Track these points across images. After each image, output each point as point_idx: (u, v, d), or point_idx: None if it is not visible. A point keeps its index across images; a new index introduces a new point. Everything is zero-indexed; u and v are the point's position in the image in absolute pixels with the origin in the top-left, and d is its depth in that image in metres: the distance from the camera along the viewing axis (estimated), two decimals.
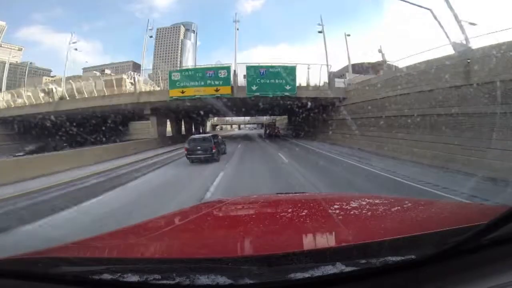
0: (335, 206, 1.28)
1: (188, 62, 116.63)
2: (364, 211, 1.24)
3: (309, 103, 17.63)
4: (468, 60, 7.68)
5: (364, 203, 1.36)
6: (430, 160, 8.29)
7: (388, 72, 14.19)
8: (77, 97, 22.35)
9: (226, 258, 0.69)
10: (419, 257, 0.61)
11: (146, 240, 0.97)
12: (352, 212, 1.21)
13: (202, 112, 24.55)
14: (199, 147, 9.82)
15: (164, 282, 0.58)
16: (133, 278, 0.59)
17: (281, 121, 39.17)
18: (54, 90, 24.01)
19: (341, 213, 1.19)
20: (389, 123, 11.37)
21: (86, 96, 21.99)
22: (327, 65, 18.74)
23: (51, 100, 22.80)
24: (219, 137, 12.10)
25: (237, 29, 21.30)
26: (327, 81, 18.45)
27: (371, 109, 12.90)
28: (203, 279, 0.57)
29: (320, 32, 21.79)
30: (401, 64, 12.68)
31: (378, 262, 0.60)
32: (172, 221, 1.27)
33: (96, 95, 22.43)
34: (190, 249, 0.88)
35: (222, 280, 0.56)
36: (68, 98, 22.80)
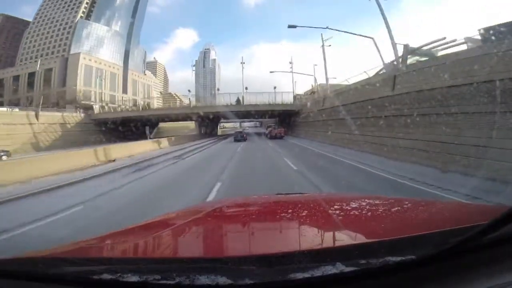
0: (335, 206, 1.28)
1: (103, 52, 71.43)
2: (364, 211, 1.24)
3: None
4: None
5: (364, 203, 1.36)
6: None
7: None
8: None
9: (226, 258, 0.69)
10: (419, 257, 0.60)
11: (146, 240, 0.95)
12: (352, 212, 1.21)
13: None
14: (239, 135, 25.93)
15: (164, 282, 0.57)
16: (133, 278, 0.57)
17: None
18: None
19: (341, 213, 1.19)
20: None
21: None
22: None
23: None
24: (245, 131, 30.65)
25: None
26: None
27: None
28: (203, 279, 0.55)
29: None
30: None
31: (378, 262, 0.59)
32: (172, 221, 1.26)
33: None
34: (190, 249, 0.88)
35: (222, 280, 0.55)
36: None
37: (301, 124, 29.10)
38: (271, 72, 33.47)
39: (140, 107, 37.89)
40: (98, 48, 66.53)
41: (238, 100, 38.21)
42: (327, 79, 24.61)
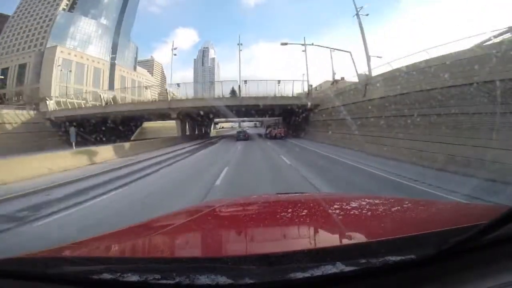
0: (335, 206, 1.27)
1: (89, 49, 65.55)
2: (364, 211, 1.23)
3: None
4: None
5: (364, 203, 1.35)
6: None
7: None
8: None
9: (226, 257, 0.70)
10: (419, 257, 0.60)
11: (146, 240, 0.95)
12: (352, 212, 1.21)
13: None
14: (241, 135, 26.64)
15: (164, 282, 0.57)
16: (133, 278, 0.58)
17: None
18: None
19: (341, 213, 1.19)
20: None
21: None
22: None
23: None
24: (247, 130, 30.18)
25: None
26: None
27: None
28: (203, 279, 0.56)
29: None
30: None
31: (378, 262, 0.60)
32: (172, 221, 1.25)
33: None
34: (190, 249, 0.89)
35: (222, 279, 0.55)
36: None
37: (317, 124, 22.11)
38: (282, 44, 23.56)
39: (104, 102, 27.90)
40: (81, 42, 60.41)
41: (233, 91, 29.55)
42: (368, 57, 16.66)
